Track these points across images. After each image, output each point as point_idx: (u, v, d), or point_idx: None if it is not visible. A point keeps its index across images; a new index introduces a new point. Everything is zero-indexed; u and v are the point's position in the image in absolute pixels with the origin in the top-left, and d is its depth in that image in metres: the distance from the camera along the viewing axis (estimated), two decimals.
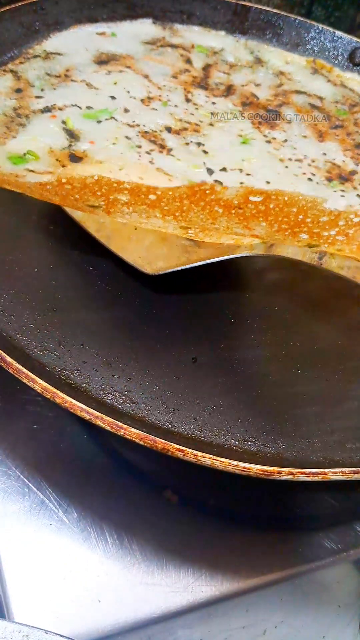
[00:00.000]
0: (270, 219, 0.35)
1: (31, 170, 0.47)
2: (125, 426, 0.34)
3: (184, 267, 0.40)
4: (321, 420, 0.40)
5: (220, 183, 0.53)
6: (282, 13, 0.73)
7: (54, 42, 0.64)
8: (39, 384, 0.35)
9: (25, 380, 0.35)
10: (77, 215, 0.42)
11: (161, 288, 0.46)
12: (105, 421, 0.34)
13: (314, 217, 0.34)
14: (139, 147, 0.54)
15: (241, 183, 0.54)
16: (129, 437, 0.34)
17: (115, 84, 0.60)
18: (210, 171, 0.55)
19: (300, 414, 0.41)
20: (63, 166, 0.48)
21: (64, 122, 0.54)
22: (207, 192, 0.35)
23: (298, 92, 0.67)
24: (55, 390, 0.34)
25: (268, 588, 0.40)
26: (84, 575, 0.37)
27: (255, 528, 0.41)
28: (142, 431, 0.34)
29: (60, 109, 0.56)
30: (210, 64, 0.68)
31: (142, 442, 0.34)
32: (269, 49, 0.72)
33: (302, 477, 0.34)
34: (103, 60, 0.63)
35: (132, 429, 0.34)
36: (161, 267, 0.41)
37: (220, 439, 0.37)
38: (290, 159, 0.58)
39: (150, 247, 0.42)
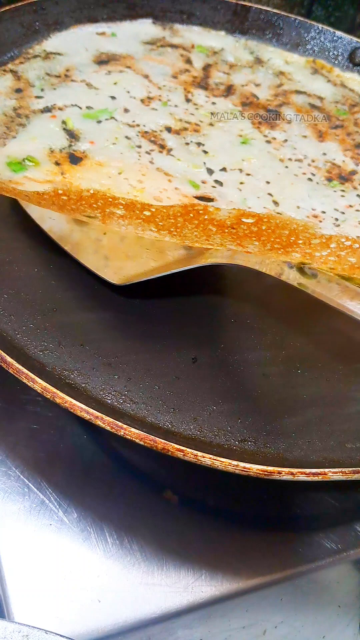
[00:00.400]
0: (262, 239, 0.35)
1: (30, 179, 0.47)
2: (125, 426, 0.34)
3: (151, 277, 0.41)
4: (321, 420, 0.40)
5: (221, 183, 0.54)
6: (282, 13, 0.73)
7: (54, 42, 0.64)
8: (39, 384, 0.35)
9: (25, 380, 0.35)
10: (45, 226, 0.43)
11: (161, 288, 0.46)
12: (105, 421, 0.34)
13: (305, 239, 0.35)
14: (139, 147, 0.54)
15: (241, 183, 0.54)
16: (129, 437, 0.34)
17: (115, 84, 0.60)
18: (210, 171, 0.55)
19: (300, 414, 0.41)
20: (62, 173, 0.49)
21: (64, 122, 0.54)
22: (200, 212, 0.36)
23: (298, 92, 0.68)
24: (55, 390, 0.34)
25: (268, 588, 0.40)
26: (84, 575, 0.37)
27: (255, 528, 0.41)
28: (142, 431, 0.34)
29: (60, 109, 0.56)
30: (210, 64, 0.68)
31: (142, 442, 0.34)
32: (269, 49, 0.72)
33: (302, 477, 0.34)
34: (103, 60, 0.63)
35: (132, 429, 0.34)
36: (127, 277, 0.41)
37: (220, 439, 0.37)
38: (290, 159, 0.58)
39: (115, 256, 0.42)
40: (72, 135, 0.53)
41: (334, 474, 0.35)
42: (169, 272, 0.40)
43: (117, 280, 0.42)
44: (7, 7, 0.61)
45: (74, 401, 0.34)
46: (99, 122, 0.56)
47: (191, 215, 0.36)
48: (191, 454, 0.33)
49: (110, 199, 0.37)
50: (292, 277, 0.34)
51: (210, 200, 0.51)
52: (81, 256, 0.43)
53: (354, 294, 0.32)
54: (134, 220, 0.37)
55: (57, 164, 0.50)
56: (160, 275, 0.40)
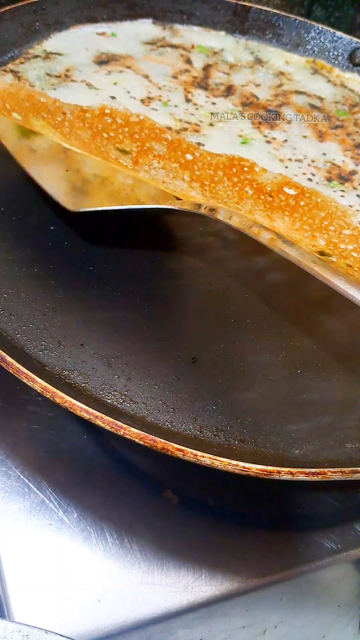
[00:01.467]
0: (295, 216, 0.34)
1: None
2: (125, 426, 0.34)
3: (109, 208, 0.40)
4: (321, 420, 0.40)
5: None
6: (282, 13, 0.73)
7: (54, 42, 0.64)
8: (39, 384, 0.35)
9: (25, 380, 0.35)
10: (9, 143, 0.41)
11: (161, 288, 0.46)
12: (105, 421, 0.34)
13: (337, 227, 0.34)
14: None
15: None
16: (129, 437, 0.34)
17: (115, 84, 0.60)
18: None
19: (300, 414, 0.41)
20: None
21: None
22: (246, 169, 0.34)
23: (298, 92, 0.67)
24: (55, 390, 0.34)
25: (268, 588, 0.40)
26: (84, 575, 0.37)
27: (255, 528, 0.41)
28: (141, 431, 0.34)
29: None
30: (210, 64, 0.68)
31: (141, 442, 0.34)
32: (269, 49, 0.72)
33: (301, 477, 0.34)
34: (103, 60, 0.63)
35: (132, 429, 0.34)
36: (84, 205, 0.40)
37: (220, 439, 0.37)
38: (290, 159, 0.58)
39: (76, 184, 0.41)
40: None
41: (333, 474, 0.35)
42: (124, 208, 0.39)
43: (72, 207, 0.41)
44: (7, 7, 0.61)
45: (73, 401, 0.34)
46: None
47: (234, 170, 0.34)
48: (191, 454, 0.33)
49: (158, 130, 0.35)
50: (263, 236, 0.33)
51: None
52: (42, 177, 0.42)
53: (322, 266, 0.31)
54: (170, 162, 0.35)
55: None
56: (117, 208, 0.39)
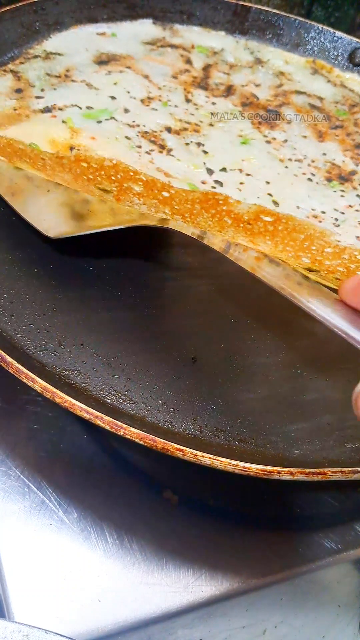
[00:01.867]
0: (276, 240, 0.35)
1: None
2: (125, 426, 0.34)
3: (84, 232, 0.42)
4: (321, 420, 0.40)
5: (221, 184, 0.54)
6: (282, 13, 0.73)
7: (54, 42, 0.64)
8: (39, 384, 0.35)
9: (25, 380, 0.35)
10: None
11: (162, 288, 0.46)
12: (104, 421, 0.34)
13: (319, 246, 0.35)
14: (139, 147, 0.54)
15: (241, 183, 0.54)
16: (129, 437, 0.34)
17: (115, 84, 0.60)
18: (210, 171, 0.55)
19: (300, 414, 0.41)
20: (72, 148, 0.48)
21: (64, 122, 0.54)
22: (220, 202, 0.35)
23: (298, 92, 0.68)
24: (55, 389, 0.34)
25: (268, 588, 0.39)
26: (84, 575, 0.37)
27: (255, 528, 0.41)
28: (141, 431, 0.34)
29: (60, 109, 0.56)
30: (210, 64, 0.68)
31: (141, 442, 0.34)
32: (269, 49, 0.72)
33: (301, 477, 0.34)
34: (103, 60, 0.63)
35: (132, 429, 0.34)
36: (61, 232, 0.42)
37: (220, 439, 0.37)
38: (290, 159, 0.58)
39: (52, 211, 0.43)
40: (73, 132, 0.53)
41: (333, 474, 0.35)
42: (101, 230, 0.41)
43: (52, 234, 0.43)
44: (7, 7, 0.61)
45: (73, 401, 0.34)
46: (99, 122, 0.56)
47: (210, 203, 0.35)
48: (191, 454, 0.33)
49: (132, 173, 0.36)
50: (245, 258, 0.34)
51: None
52: (21, 206, 0.44)
53: (311, 290, 0.32)
54: (150, 199, 0.36)
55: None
56: (93, 232, 0.41)
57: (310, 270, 0.35)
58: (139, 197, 0.37)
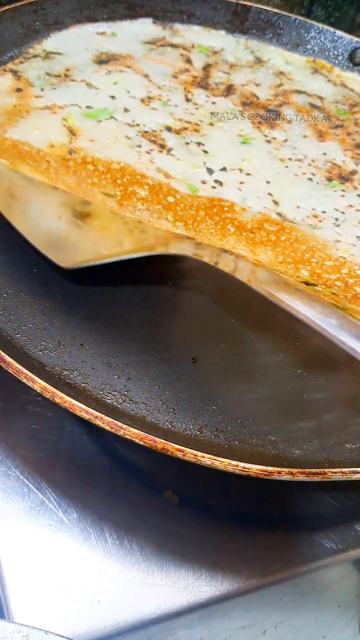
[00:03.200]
0: (277, 250, 0.35)
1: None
2: (124, 426, 0.34)
3: (100, 262, 0.40)
4: (321, 420, 0.40)
5: (221, 183, 0.53)
6: (283, 13, 0.73)
7: (54, 41, 0.64)
8: (39, 384, 0.35)
9: (24, 380, 0.35)
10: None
11: (162, 288, 0.46)
12: (104, 421, 0.34)
13: (319, 259, 0.35)
14: (139, 146, 0.54)
15: (241, 183, 0.54)
16: (129, 437, 0.34)
17: (115, 83, 0.60)
18: (210, 171, 0.54)
19: (300, 414, 0.41)
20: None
21: (64, 119, 0.54)
22: (226, 208, 0.35)
23: (298, 92, 0.67)
24: (54, 390, 0.34)
25: (268, 588, 0.39)
26: (84, 575, 0.37)
27: (255, 528, 0.41)
28: (141, 431, 0.34)
29: (60, 108, 0.56)
30: (211, 64, 0.68)
31: (141, 442, 0.34)
32: (269, 49, 0.72)
33: (301, 477, 0.34)
34: (103, 59, 0.63)
35: (132, 429, 0.34)
36: (76, 260, 0.41)
37: (220, 439, 0.37)
38: (290, 159, 0.58)
39: (66, 238, 0.42)
40: (72, 135, 0.53)
41: (333, 474, 0.35)
42: (118, 259, 0.39)
43: (67, 264, 0.42)
44: (7, 7, 0.61)
45: (73, 401, 0.34)
46: (99, 121, 0.56)
47: (215, 210, 0.35)
48: (191, 454, 0.33)
49: (139, 177, 0.36)
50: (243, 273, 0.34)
51: None
52: (31, 236, 0.42)
53: (293, 291, 0.32)
54: (153, 204, 0.36)
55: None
56: (111, 260, 0.40)
57: (307, 284, 0.35)
58: (143, 202, 0.37)
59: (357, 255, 0.51)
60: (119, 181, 0.37)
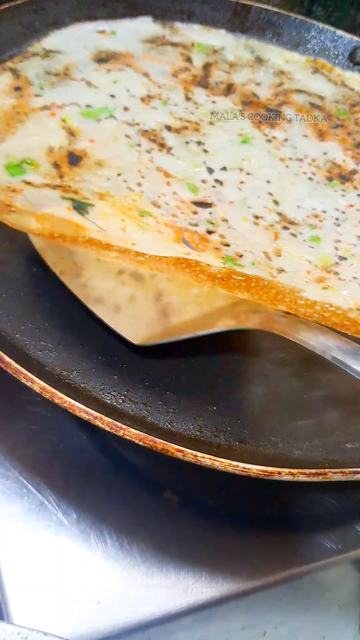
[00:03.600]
0: (251, 292, 0.38)
1: (28, 183, 0.47)
2: (124, 426, 0.33)
3: (172, 339, 0.40)
4: (321, 420, 0.40)
5: (221, 183, 0.53)
6: (283, 12, 0.73)
7: (54, 40, 0.64)
8: (38, 384, 0.34)
9: (24, 380, 0.35)
10: (64, 277, 0.42)
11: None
12: (104, 421, 0.34)
13: (292, 298, 0.38)
14: (139, 145, 0.54)
15: (241, 182, 0.54)
16: (129, 438, 0.33)
17: (115, 82, 0.60)
18: (210, 170, 0.54)
19: (300, 414, 0.40)
20: (61, 176, 0.48)
21: (63, 121, 0.54)
22: (192, 264, 0.38)
23: (298, 91, 0.67)
24: (54, 390, 0.34)
25: (268, 589, 0.39)
26: (83, 576, 0.37)
27: (255, 529, 0.41)
28: (141, 431, 0.34)
29: (59, 107, 0.55)
30: (211, 63, 0.68)
31: (141, 443, 0.33)
32: (269, 48, 0.72)
33: (302, 478, 0.34)
34: (103, 58, 0.63)
35: (132, 430, 0.33)
36: (146, 337, 0.40)
37: (220, 439, 0.37)
38: (290, 159, 0.58)
39: (132, 313, 0.41)
40: (72, 134, 0.53)
41: (334, 474, 0.34)
42: (191, 336, 0.39)
43: (138, 340, 0.40)
44: (7, 6, 0.61)
45: (73, 401, 0.34)
46: (99, 120, 0.55)
47: (183, 265, 0.38)
48: (191, 455, 0.33)
49: (105, 246, 0.38)
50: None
51: (208, 205, 0.51)
52: (98, 308, 0.42)
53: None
54: (128, 260, 0.38)
55: (55, 165, 0.50)
56: (182, 338, 0.39)
57: (288, 313, 0.37)
58: (118, 259, 0.39)
59: (357, 255, 0.50)
60: (90, 247, 0.38)
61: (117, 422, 0.34)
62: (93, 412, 0.34)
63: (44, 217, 0.41)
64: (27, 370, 0.35)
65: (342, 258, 0.50)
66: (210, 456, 0.33)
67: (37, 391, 0.35)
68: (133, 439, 0.33)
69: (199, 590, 0.38)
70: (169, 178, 0.52)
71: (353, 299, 0.46)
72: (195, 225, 0.48)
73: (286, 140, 0.60)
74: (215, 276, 0.37)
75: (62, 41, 0.63)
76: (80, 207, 0.45)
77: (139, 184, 0.50)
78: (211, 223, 0.49)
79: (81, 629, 0.35)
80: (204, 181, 0.53)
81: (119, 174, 0.50)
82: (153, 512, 0.40)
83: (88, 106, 0.56)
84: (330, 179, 0.57)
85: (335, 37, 0.72)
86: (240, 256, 0.47)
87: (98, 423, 0.34)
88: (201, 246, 0.46)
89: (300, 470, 0.34)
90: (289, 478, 0.34)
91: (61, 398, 0.34)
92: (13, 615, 0.35)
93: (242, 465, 0.33)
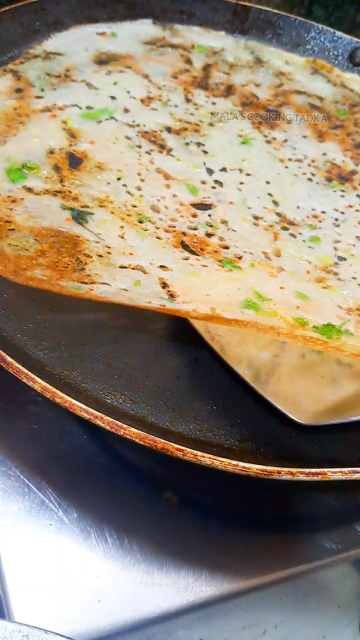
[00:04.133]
0: (235, 326, 0.40)
1: (29, 189, 0.47)
2: (125, 426, 0.34)
3: (341, 420, 0.39)
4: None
5: (221, 184, 0.54)
6: (282, 13, 0.73)
7: (54, 42, 0.64)
8: (39, 384, 0.35)
9: (25, 380, 0.35)
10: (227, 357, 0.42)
11: None
12: (105, 421, 0.34)
13: (273, 334, 0.40)
14: (139, 147, 0.54)
15: (241, 183, 0.54)
16: (129, 437, 0.34)
17: (115, 84, 0.60)
18: (210, 171, 0.55)
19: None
20: (61, 181, 0.49)
21: (64, 122, 0.54)
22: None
23: (298, 92, 0.68)
24: (55, 390, 0.34)
25: (268, 588, 0.39)
26: (84, 575, 0.37)
27: (255, 528, 0.41)
28: (141, 431, 0.34)
29: (60, 108, 0.56)
30: (210, 64, 0.68)
31: (141, 442, 0.34)
32: (269, 49, 0.72)
33: (301, 477, 0.34)
34: (103, 60, 0.63)
35: (132, 429, 0.34)
36: (312, 414, 0.39)
37: (220, 439, 0.37)
38: (290, 159, 0.58)
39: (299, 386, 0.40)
40: (72, 135, 0.54)
41: (333, 474, 0.35)
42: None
43: (304, 419, 0.39)
44: (7, 7, 0.61)
45: (73, 401, 0.34)
46: (99, 122, 0.56)
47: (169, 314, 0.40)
48: (191, 454, 0.33)
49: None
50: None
51: (208, 207, 0.51)
52: (265, 387, 0.40)
53: None
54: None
55: (56, 168, 0.50)
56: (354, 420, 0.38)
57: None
58: None
59: (356, 256, 0.51)
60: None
61: (117, 422, 0.34)
62: (94, 411, 0.34)
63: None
64: (28, 370, 0.35)
65: (342, 258, 0.50)
66: (210, 455, 0.33)
67: (39, 391, 0.35)
68: (133, 438, 0.34)
69: (199, 589, 0.38)
70: (169, 180, 0.52)
71: (353, 299, 0.46)
72: (195, 228, 0.49)
73: (286, 140, 0.60)
74: (201, 317, 0.40)
75: (62, 43, 0.64)
76: (80, 216, 0.45)
77: (139, 188, 0.50)
78: (210, 226, 0.49)
79: (82, 627, 0.35)
80: (203, 182, 0.53)
81: (118, 178, 0.51)
82: (153, 511, 0.40)
83: (89, 107, 0.57)
84: (329, 180, 0.57)
85: (334, 38, 0.72)
86: (240, 258, 0.47)
87: (99, 422, 0.34)
88: (200, 249, 0.47)
89: (299, 470, 0.34)
90: (289, 477, 0.34)
91: (62, 397, 0.34)
92: (14, 613, 0.35)
93: (241, 464, 0.34)
